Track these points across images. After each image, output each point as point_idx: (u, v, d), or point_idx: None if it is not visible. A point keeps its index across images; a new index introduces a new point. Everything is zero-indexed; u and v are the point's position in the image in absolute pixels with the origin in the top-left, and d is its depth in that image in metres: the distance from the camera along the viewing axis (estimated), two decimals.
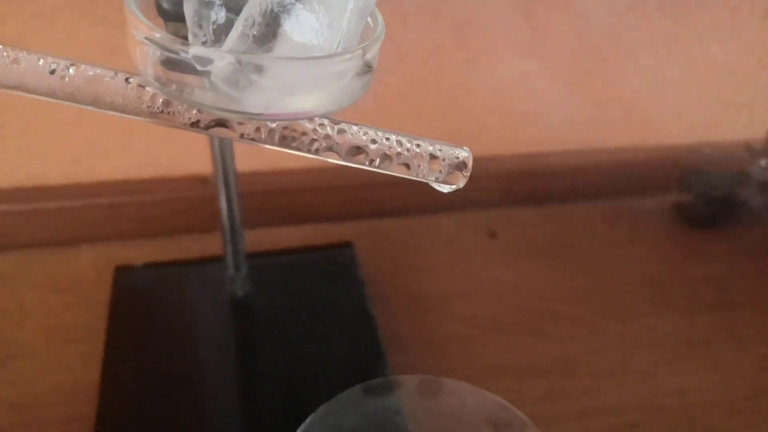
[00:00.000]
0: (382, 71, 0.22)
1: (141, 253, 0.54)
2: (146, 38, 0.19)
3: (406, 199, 0.61)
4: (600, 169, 0.65)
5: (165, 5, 0.21)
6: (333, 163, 0.55)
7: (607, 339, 0.52)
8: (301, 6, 0.19)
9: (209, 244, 0.53)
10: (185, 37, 0.20)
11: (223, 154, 0.42)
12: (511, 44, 0.59)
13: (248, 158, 0.57)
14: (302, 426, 0.36)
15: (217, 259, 0.49)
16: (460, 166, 0.22)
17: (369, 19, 0.22)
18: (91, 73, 0.20)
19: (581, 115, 0.63)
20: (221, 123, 0.21)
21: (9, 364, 0.47)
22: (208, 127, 0.21)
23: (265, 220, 0.59)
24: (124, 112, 0.21)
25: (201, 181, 0.59)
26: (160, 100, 0.21)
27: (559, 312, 0.54)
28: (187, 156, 0.58)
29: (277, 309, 0.48)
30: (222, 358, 0.45)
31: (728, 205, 0.61)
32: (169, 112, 0.21)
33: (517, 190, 0.63)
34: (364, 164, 0.22)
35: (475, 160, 0.61)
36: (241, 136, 0.21)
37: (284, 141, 0.21)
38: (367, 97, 0.22)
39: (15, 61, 0.20)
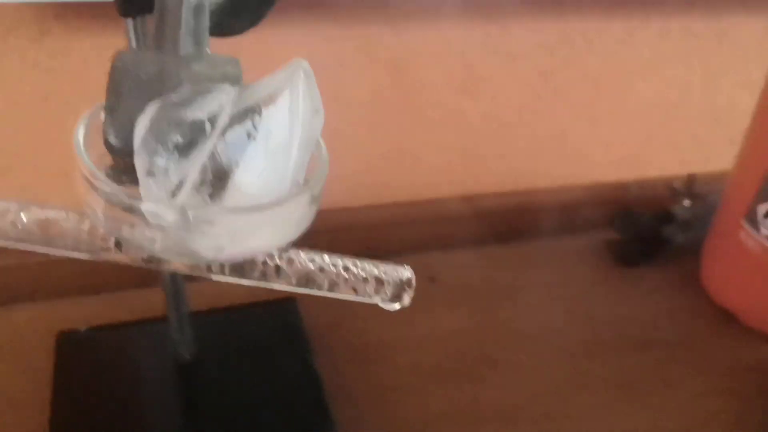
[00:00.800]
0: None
1: (81, 311, 0.54)
2: (98, 189, 0.20)
3: (343, 247, 0.62)
4: (536, 207, 0.67)
5: (112, 141, 0.22)
6: None
7: (545, 383, 0.54)
8: (249, 153, 0.20)
9: (152, 299, 0.53)
10: (132, 167, 0.21)
11: None
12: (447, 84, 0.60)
13: None
14: None
15: (161, 319, 0.49)
16: (404, 286, 0.23)
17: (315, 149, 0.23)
18: (42, 216, 0.21)
19: (514, 152, 0.66)
20: (173, 263, 0.22)
21: None
22: (159, 264, 0.22)
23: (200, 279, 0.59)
24: (77, 251, 0.21)
25: None
26: (113, 240, 0.21)
27: (497, 357, 0.55)
28: None
29: (223, 370, 0.49)
30: (168, 424, 0.45)
31: (655, 244, 0.64)
32: (123, 251, 0.22)
33: (455, 232, 0.65)
34: (314, 291, 0.23)
35: (410, 204, 0.61)
36: (192, 270, 0.22)
37: (235, 273, 0.22)
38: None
39: None
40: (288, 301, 0.54)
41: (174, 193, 0.20)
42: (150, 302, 0.53)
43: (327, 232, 0.60)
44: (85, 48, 0.52)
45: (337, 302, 0.58)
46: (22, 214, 0.20)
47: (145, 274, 0.55)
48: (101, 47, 0.52)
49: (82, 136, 0.21)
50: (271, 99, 0.21)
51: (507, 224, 0.67)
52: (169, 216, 0.19)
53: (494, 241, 0.66)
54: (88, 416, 0.45)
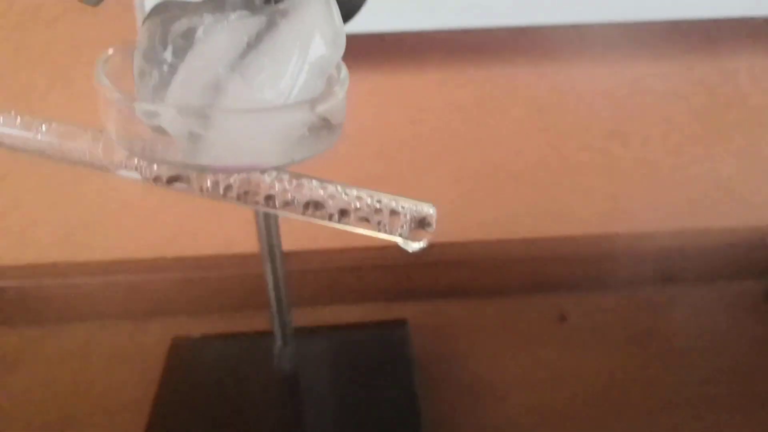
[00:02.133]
0: None
1: (208, 328, 0.55)
2: (109, 101, 0.20)
3: (470, 280, 0.60)
4: (683, 251, 0.61)
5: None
6: (391, 242, 0.55)
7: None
8: (248, 59, 0.20)
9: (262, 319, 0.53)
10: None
11: (268, 229, 0.43)
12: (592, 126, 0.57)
13: (306, 237, 0.58)
14: None
15: (269, 334, 0.49)
16: (423, 222, 0.21)
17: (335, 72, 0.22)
18: (62, 130, 0.21)
19: (664, 193, 0.60)
20: (179, 178, 0.22)
21: (69, 429, 0.49)
22: (168, 182, 0.22)
23: (322, 299, 0.59)
24: (91, 167, 0.22)
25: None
26: (124, 156, 0.22)
27: (626, 404, 0.50)
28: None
29: (323, 385, 0.47)
30: (271, 429, 0.44)
31: None
32: (134, 168, 0.22)
33: (592, 272, 0.60)
34: (323, 220, 0.22)
35: (547, 240, 0.58)
36: (200, 190, 0.22)
37: (243, 197, 0.22)
38: None
39: None
40: (398, 324, 0.52)
41: (166, 94, 0.20)
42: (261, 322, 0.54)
43: (465, 264, 0.59)
44: None
45: (454, 332, 0.56)
46: (44, 126, 0.21)
47: (257, 296, 0.55)
48: None
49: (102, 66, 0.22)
50: (283, 14, 0.21)
51: (653, 266, 0.61)
52: (162, 112, 0.19)
53: (634, 283, 0.61)
54: (184, 415, 0.45)
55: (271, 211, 0.21)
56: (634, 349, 0.54)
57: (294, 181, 0.22)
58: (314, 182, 0.22)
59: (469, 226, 0.61)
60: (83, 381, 0.53)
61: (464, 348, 0.55)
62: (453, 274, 0.60)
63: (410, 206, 0.22)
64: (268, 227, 0.43)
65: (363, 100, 0.57)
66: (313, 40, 0.21)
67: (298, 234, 0.58)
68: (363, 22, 0.45)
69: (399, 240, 0.22)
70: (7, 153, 0.21)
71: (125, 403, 0.50)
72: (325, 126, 0.21)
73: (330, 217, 0.22)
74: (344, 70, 0.23)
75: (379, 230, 0.22)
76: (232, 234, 0.60)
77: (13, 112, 0.21)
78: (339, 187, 0.22)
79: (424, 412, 0.47)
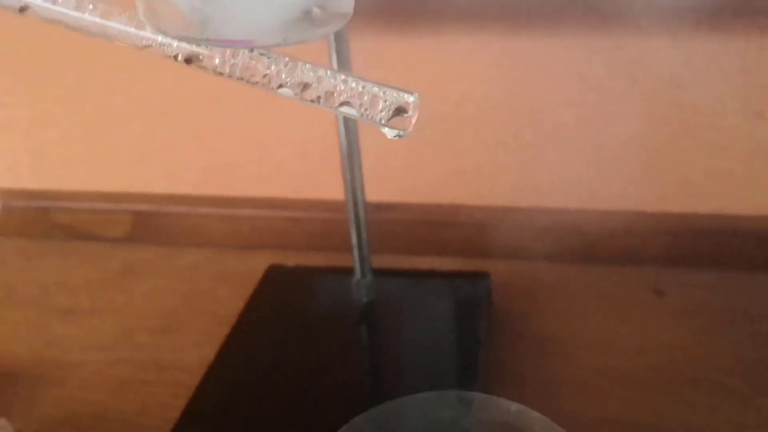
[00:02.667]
0: None
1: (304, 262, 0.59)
2: None
3: (563, 247, 0.59)
4: None
5: None
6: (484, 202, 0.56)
7: (761, 417, 0.44)
8: None
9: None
10: None
11: (351, 164, 0.46)
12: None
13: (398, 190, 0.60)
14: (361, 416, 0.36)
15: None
16: (401, 109, 0.23)
17: None
18: (105, 9, 0.25)
19: None
20: (192, 58, 0.24)
21: (170, 334, 0.55)
22: (186, 61, 0.25)
23: (408, 250, 0.61)
24: (126, 43, 0.25)
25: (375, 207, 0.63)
26: (149, 33, 0.25)
27: (706, 380, 0.47)
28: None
29: (393, 320, 0.49)
30: (333, 352, 0.47)
31: None
32: (159, 45, 0.25)
33: (697, 250, 0.58)
34: (312, 101, 0.24)
35: (653, 215, 0.56)
36: (213, 70, 0.24)
37: (245, 72, 0.24)
38: None
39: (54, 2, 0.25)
40: (479, 276, 0.53)
41: None
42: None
43: (561, 230, 0.58)
44: None
45: (540, 293, 0.56)
46: (90, 5, 0.25)
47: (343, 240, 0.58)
48: None
49: None
50: None
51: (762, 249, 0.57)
52: None
53: (745, 266, 0.57)
54: (264, 331, 0.49)
55: (267, 89, 0.24)
56: (729, 331, 0.51)
57: (289, 64, 0.24)
58: (307, 66, 0.24)
59: (582, 196, 0.60)
60: (189, 295, 0.58)
61: (547, 309, 0.55)
62: (548, 238, 0.59)
63: (392, 93, 0.23)
64: (350, 163, 0.46)
65: (489, 64, 0.58)
66: None
67: (391, 186, 0.61)
68: None
69: (378, 125, 0.23)
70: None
71: (220, 317, 0.54)
72: (323, 12, 0.23)
73: (318, 99, 0.24)
74: None
75: (361, 114, 0.23)
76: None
77: None
78: (328, 72, 0.24)
79: (489, 361, 0.48)
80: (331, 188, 0.63)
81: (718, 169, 0.57)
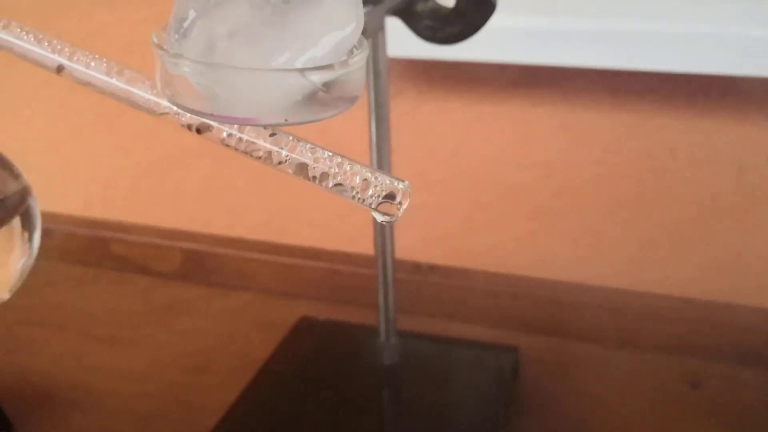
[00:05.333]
0: None
1: (343, 317, 0.59)
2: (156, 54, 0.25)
3: (599, 328, 0.58)
4: None
5: None
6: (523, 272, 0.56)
7: None
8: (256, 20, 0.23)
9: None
10: None
11: (381, 229, 0.46)
12: None
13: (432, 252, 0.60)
14: None
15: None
16: (390, 195, 0.23)
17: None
18: (131, 76, 0.27)
19: None
20: (204, 128, 0.26)
21: (200, 374, 0.56)
22: (198, 131, 0.26)
23: (440, 315, 0.61)
24: (148, 112, 0.27)
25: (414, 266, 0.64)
26: (165, 104, 0.26)
27: None
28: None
29: (414, 384, 0.49)
30: (351, 412, 0.47)
31: None
32: (175, 114, 0.26)
33: (742, 344, 0.55)
34: (309, 180, 0.24)
35: (700, 302, 0.55)
36: (221, 142, 0.26)
37: (249, 147, 0.25)
38: None
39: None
40: (508, 350, 0.52)
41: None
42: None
43: (604, 310, 0.57)
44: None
45: (570, 375, 0.55)
46: (117, 72, 0.27)
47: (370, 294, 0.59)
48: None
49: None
50: None
51: None
52: (180, 63, 0.24)
53: None
54: (285, 385, 0.50)
55: (268, 165, 0.25)
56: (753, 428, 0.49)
57: (290, 143, 0.25)
58: (307, 146, 0.25)
59: (629, 276, 0.59)
60: (225, 337, 0.60)
61: (575, 391, 0.53)
62: (586, 317, 0.58)
63: (383, 179, 0.24)
64: (382, 228, 0.46)
65: (550, 133, 0.58)
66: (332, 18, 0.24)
67: (429, 247, 0.61)
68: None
69: (369, 209, 0.24)
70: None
71: (251, 361, 0.55)
72: (327, 95, 0.24)
73: (313, 179, 0.24)
74: (363, 49, 0.25)
75: (352, 196, 0.24)
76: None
77: (103, 60, 0.27)
78: (326, 153, 0.25)
79: None
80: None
81: None
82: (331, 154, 0.25)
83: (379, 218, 0.24)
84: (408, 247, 0.62)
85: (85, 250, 0.70)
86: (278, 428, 0.46)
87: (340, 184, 0.24)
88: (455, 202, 0.62)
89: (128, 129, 0.69)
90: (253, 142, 0.25)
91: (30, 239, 0.43)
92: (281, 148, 0.25)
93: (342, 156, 0.25)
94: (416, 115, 0.61)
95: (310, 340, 0.54)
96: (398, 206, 0.24)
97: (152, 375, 0.56)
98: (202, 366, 0.57)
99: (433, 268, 0.63)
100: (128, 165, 0.71)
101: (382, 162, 0.45)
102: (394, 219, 0.24)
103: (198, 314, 0.64)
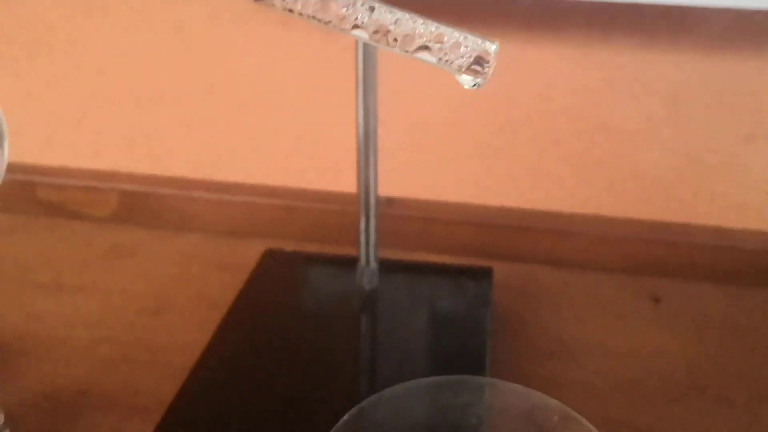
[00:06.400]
0: None
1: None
2: None
3: (563, 251, 0.59)
4: None
5: None
6: (487, 202, 0.55)
7: (760, 426, 0.44)
8: None
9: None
10: None
11: (366, 149, 0.45)
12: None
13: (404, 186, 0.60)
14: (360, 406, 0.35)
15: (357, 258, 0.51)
16: (481, 59, 0.22)
17: None
18: None
19: None
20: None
21: (160, 316, 0.53)
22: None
23: (412, 246, 0.60)
24: None
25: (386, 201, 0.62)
26: None
27: (711, 391, 0.47)
28: None
29: (400, 306, 0.48)
30: (336, 338, 0.46)
31: None
32: None
33: (698, 263, 0.58)
34: (388, 44, 0.23)
35: (654, 223, 0.56)
36: (283, 7, 0.24)
37: (318, 10, 0.23)
38: None
39: None
40: (483, 271, 0.52)
41: None
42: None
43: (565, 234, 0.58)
44: None
45: (539, 296, 0.55)
46: None
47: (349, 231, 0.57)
48: None
49: None
50: None
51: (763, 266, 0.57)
52: None
53: (745, 282, 0.58)
54: (260, 315, 0.47)
55: (339, 30, 0.23)
56: (731, 344, 0.51)
57: (366, 3, 0.23)
58: (384, 8, 0.23)
59: (576, 201, 0.60)
60: (182, 279, 0.56)
61: (548, 312, 0.54)
62: (550, 242, 0.59)
63: (473, 40, 0.23)
64: (365, 143, 0.45)
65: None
66: None
67: (397, 181, 0.60)
68: None
69: (455, 73, 0.23)
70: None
71: (212, 302, 0.53)
72: None
73: (395, 42, 0.23)
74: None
75: (439, 58, 0.23)
76: (338, 174, 0.62)
77: None
78: (407, 14, 0.23)
79: (494, 356, 0.47)
80: (328, 180, 0.62)
81: (715, 190, 0.57)
82: (410, 14, 0.23)
83: (468, 83, 0.23)
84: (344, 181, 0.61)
85: (10, 197, 0.64)
86: (261, 361, 0.44)
87: (425, 47, 0.23)
88: (403, 138, 0.61)
89: (43, 73, 0.63)
90: (323, 4, 0.23)
91: None
92: (357, 10, 0.23)
93: (422, 16, 0.23)
94: None
95: (281, 272, 0.52)
96: (489, 70, 0.23)
97: (106, 319, 0.52)
98: (160, 307, 0.53)
99: (390, 201, 0.62)
100: (44, 110, 0.65)
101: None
102: (483, 83, 0.23)
103: (145, 257, 0.60)
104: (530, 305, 0.55)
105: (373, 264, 0.49)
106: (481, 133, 0.59)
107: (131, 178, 0.64)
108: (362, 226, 0.48)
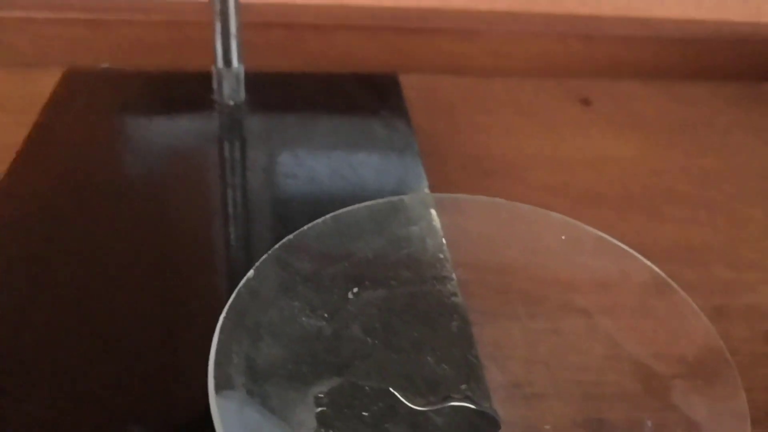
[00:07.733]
0: None
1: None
2: None
3: (473, 57, 0.47)
4: (725, 44, 0.49)
5: None
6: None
7: (750, 227, 0.36)
8: None
9: None
10: None
11: None
12: None
13: None
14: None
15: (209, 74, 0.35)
16: None
17: None
18: None
19: None
20: None
21: None
22: None
23: (282, 60, 0.45)
24: None
25: None
26: None
27: (680, 192, 0.38)
28: None
29: (275, 122, 0.34)
30: (203, 180, 0.31)
31: None
32: None
33: (620, 58, 0.48)
34: None
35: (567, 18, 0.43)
36: None
37: None
38: None
39: None
40: (386, 77, 0.39)
41: None
42: None
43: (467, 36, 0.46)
44: None
45: (456, 108, 0.43)
46: None
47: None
48: None
49: None
50: None
51: (688, 57, 0.49)
52: None
53: (669, 75, 0.49)
54: (63, 152, 0.31)
55: None
56: (675, 139, 0.42)
57: None
58: None
59: None
60: None
61: (467, 126, 0.42)
62: (451, 46, 0.47)
63: None
64: None
65: None
66: None
67: None
68: None
69: None
70: None
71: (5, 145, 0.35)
72: None
73: None
74: None
75: None
76: None
77: None
78: None
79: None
80: None
81: None
82: None
83: None
84: None
85: None
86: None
87: None
88: None
89: None
90: None
91: None
92: None
93: None
94: None
95: (92, 94, 0.35)
96: None
97: None
98: None
99: (247, 7, 0.46)
100: None
101: None
102: None
103: None
104: (445, 120, 0.43)
105: (236, 66, 0.34)
106: None
107: None
108: (217, 26, 0.32)
